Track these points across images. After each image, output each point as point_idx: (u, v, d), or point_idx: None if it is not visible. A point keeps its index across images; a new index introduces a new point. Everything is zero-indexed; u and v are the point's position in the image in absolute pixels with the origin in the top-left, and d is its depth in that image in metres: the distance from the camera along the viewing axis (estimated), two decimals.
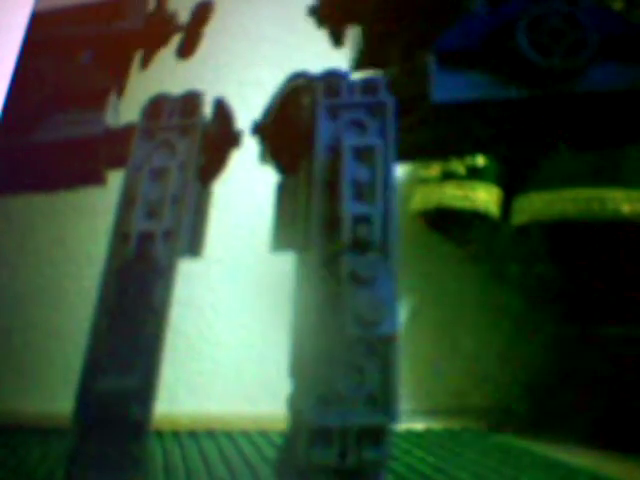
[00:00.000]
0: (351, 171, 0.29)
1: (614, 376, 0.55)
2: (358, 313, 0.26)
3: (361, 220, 0.28)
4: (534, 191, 0.58)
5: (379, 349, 0.28)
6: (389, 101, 0.31)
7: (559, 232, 0.58)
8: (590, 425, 0.53)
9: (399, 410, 0.28)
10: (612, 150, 0.55)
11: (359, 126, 0.31)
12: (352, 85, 0.32)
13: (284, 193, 0.33)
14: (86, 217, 0.52)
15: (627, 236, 0.56)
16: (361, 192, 0.29)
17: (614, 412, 0.53)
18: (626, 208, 0.55)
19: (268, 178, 0.34)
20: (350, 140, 0.30)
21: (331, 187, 0.30)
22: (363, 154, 0.29)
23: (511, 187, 0.60)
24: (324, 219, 0.29)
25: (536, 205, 0.58)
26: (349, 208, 0.28)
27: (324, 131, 0.31)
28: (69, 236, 0.52)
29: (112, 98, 0.38)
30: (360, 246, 0.28)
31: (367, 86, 0.32)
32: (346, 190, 0.29)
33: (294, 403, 0.30)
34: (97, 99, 0.38)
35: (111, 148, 0.36)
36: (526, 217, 0.59)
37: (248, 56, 0.58)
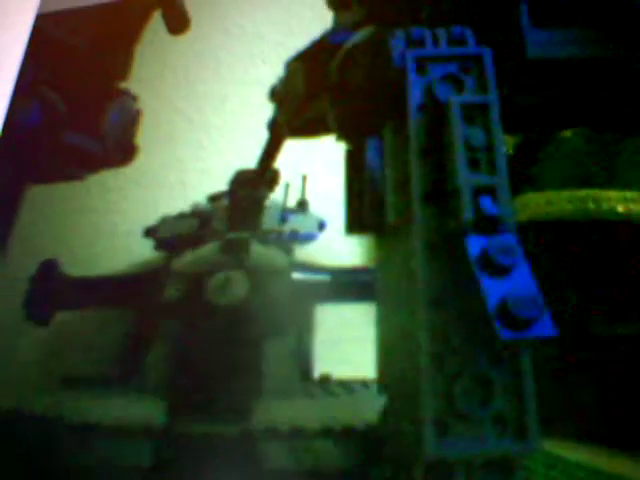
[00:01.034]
0: (463, 133, 0.23)
1: (615, 375, 0.53)
2: (506, 310, 0.20)
3: (481, 192, 0.22)
4: (532, 191, 0.57)
5: (506, 356, 0.22)
6: (486, 53, 0.25)
7: (557, 232, 0.57)
8: (590, 421, 0.51)
9: (537, 434, 0.22)
10: (607, 149, 0.54)
11: (455, 82, 0.25)
12: (436, 36, 0.26)
13: (357, 165, 0.26)
14: (86, 217, 0.50)
15: (623, 236, 0.55)
16: (475, 159, 0.23)
17: (616, 409, 0.51)
18: (621, 208, 0.54)
19: None
20: (457, 96, 0.24)
21: (427, 153, 0.24)
22: (472, 113, 0.24)
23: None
24: (424, 192, 0.23)
25: (533, 205, 0.56)
26: (467, 177, 0.22)
27: (415, 87, 0.24)
28: (70, 236, 0.49)
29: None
30: (486, 224, 0.22)
31: (452, 38, 0.26)
32: (461, 156, 0.23)
33: (394, 422, 0.23)
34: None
35: None
36: (524, 217, 0.57)
37: (248, 56, 0.55)
